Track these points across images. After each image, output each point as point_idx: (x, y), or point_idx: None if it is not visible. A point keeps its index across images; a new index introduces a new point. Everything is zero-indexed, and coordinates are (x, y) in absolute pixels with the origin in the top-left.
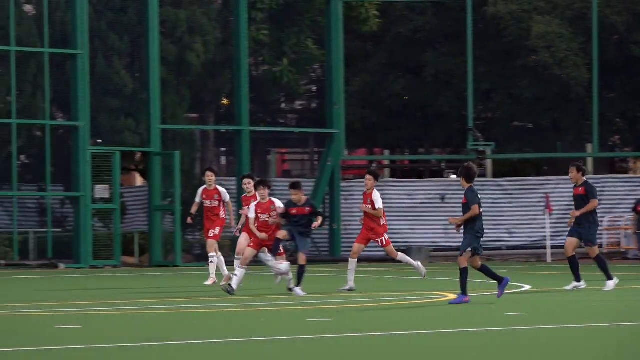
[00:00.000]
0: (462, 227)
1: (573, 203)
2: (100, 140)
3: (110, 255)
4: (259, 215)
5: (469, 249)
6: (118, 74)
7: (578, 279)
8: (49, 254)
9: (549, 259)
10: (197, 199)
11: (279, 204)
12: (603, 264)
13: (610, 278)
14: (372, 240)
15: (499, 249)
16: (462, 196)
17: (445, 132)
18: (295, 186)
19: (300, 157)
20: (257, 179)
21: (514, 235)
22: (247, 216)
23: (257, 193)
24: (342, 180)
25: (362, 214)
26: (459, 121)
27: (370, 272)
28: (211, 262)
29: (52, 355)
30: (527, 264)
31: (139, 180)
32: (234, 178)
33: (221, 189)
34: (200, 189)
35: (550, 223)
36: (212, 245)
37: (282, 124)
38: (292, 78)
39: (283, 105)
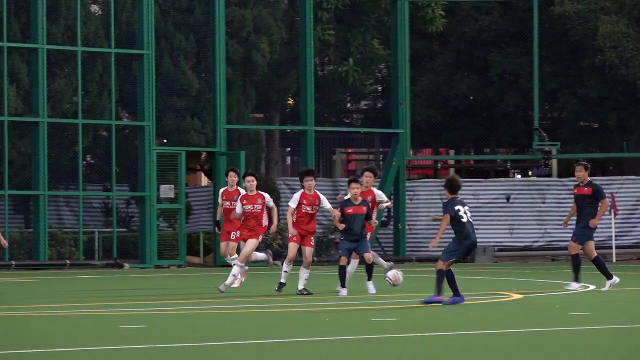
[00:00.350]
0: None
1: (574, 202)
2: (165, 140)
3: (175, 255)
4: (303, 205)
5: (452, 259)
6: (184, 74)
7: (609, 276)
8: (114, 253)
9: (614, 258)
10: (220, 200)
11: (324, 199)
12: (577, 266)
13: (578, 280)
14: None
15: (565, 248)
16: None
17: (510, 131)
18: (357, 180)
19: (365, 157)
20: (304, 168)
21: None
22: (289, 205)
23: (303, 184)
24: (407, 180)
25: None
26: (524, 121)
27: (433, 272)
28: (235, 264)
29: (116, 355)
30: (592, 264)
31: (204, 180)
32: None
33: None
34: (221, 190)
35: (615, 223)
36: (234, 247)
37: (347, 124)
38: (358, 78)
39: (348, 105)
